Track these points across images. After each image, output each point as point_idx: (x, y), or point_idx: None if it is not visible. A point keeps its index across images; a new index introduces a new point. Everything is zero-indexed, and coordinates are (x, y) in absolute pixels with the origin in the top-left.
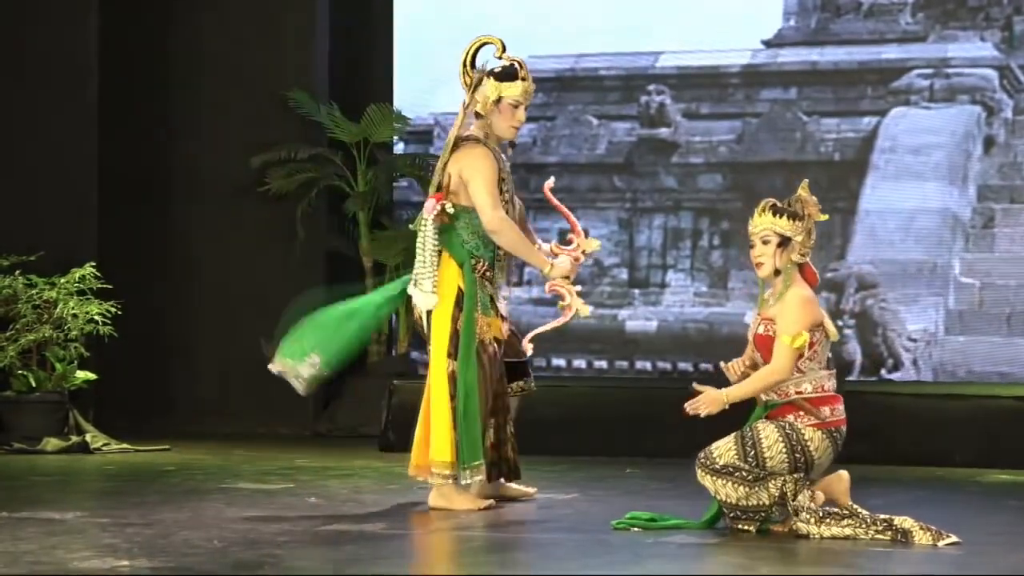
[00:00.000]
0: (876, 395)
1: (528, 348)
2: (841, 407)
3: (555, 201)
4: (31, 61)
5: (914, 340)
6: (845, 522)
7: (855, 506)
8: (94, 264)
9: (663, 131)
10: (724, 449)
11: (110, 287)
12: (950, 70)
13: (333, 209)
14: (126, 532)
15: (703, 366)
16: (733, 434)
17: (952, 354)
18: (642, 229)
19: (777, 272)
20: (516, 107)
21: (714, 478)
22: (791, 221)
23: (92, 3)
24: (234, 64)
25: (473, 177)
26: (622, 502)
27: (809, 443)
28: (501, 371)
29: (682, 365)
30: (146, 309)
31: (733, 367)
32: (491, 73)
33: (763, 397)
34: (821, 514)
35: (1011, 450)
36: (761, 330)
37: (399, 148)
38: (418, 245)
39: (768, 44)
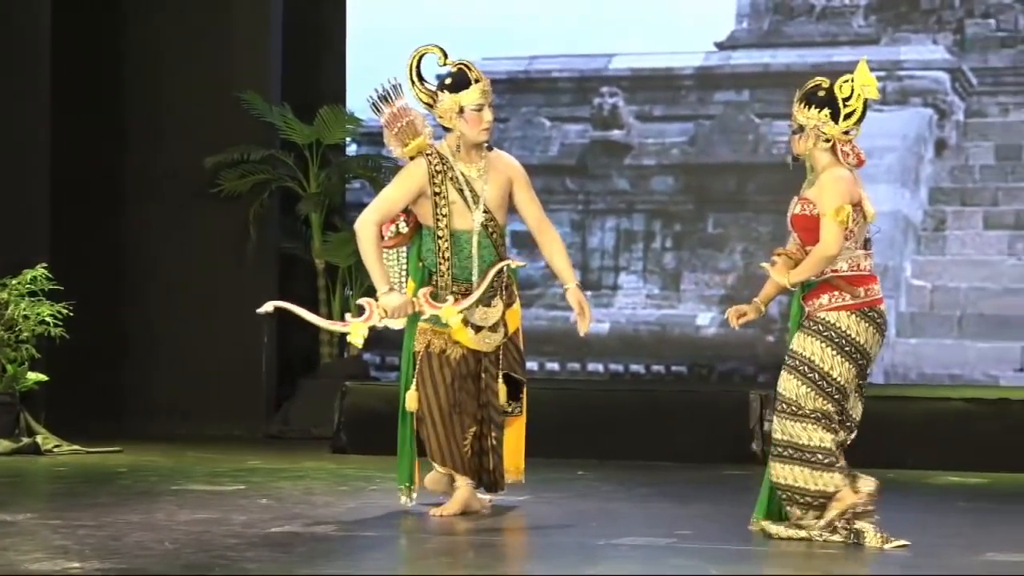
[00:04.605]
0: None
1: (266, 307)
2: (877, 287)
3: (494, 272)
4: None
5: None
6: (807, 519)
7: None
8: (46, 265)
9: (616, 133)
10: (788, 384)
11: (61, 288)
12: (902, 73)
13: (286, 210)
14: (78, 534)
15: (655, 368)
16: (783, 368)
17: (903, 356)
18: (594, 231)
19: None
20: (480, 110)
21: (804, 424)
22: (806, 108)
23: (44, 2)
24: (186, 64)
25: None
26: (573, 504)
27: (848, 331)
28: (483, 381)
29: (634, 367)
30: (98, 310)
31: (784, 252)
32: (443, 86)
33: None
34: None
35: (961, 452)
36: (797, 210)
37: (352, 149)
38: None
39: (721, 46)
